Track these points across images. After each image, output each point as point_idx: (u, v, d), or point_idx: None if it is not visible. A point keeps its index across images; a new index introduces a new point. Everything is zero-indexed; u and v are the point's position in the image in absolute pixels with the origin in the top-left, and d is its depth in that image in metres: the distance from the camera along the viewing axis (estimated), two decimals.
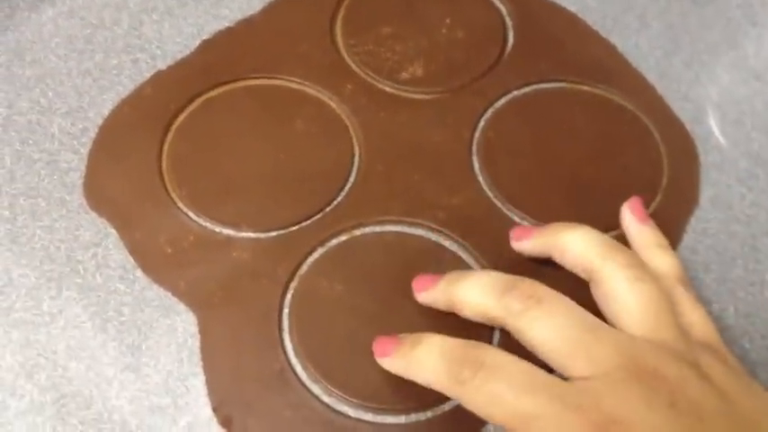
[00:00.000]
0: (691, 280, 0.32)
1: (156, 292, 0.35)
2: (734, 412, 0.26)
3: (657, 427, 0.25)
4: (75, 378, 0.33)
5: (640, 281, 0.29)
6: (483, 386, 0.26)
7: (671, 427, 0.25)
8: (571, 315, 0.28)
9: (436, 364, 0.28)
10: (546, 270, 0.34)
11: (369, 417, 0.33)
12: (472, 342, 0.28)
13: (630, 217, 0.35)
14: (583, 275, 0.31)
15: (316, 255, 0.37)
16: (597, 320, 0.28)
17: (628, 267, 0.30)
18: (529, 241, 0.34)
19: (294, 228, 0.37)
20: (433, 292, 0.33)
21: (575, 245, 0.31)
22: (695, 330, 0.30)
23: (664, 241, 0.34)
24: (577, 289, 0.31)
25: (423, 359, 0.29)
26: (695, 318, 0.30)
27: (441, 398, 0.33)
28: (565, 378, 0.27)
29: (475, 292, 0.30)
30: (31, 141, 0.39)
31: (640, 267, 0.30)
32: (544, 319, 0.28)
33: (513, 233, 0.35)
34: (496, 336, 0.34)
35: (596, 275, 0.30)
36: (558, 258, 0.32)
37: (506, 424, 0.26)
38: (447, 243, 0.37)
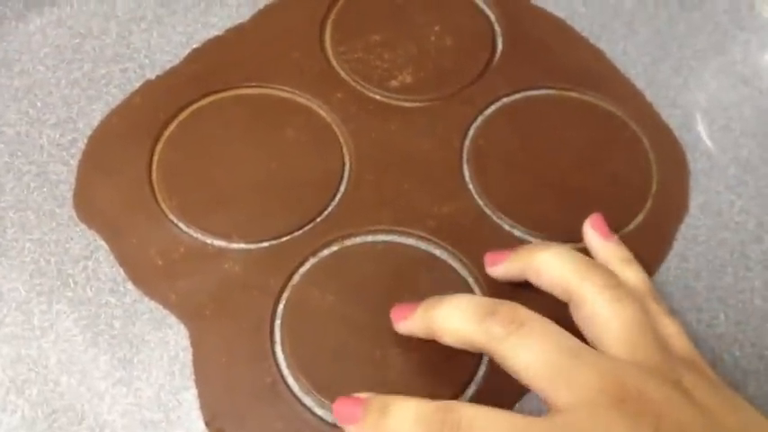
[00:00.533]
0: (685, 289, 0.33)
1: (148, 305, 0.35)
2: (719, 428, 0.26)
3: None
4: (67, 392, 0.33)
5: (619, 301, 0.29)
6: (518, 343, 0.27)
7: None
8: (552, 339, 0.27)
9: (412, 431, 0.27)
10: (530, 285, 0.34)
11: None
12: (446, 403, 0.27)
13: (593, 233, 0.35)
14: (561, 297, 0.31)
15: (307, 265, 0.37)
16: (579, 344, 0.27)
17: (606, 288, 0.29)
18: (503, 265, 0.34)
19: (285, 238, 0.37)
20: (411, 322, 0.32)
21: (550, 266, 0.31)
22: (673, 345, 0.30)
23: (628, 255, 0.34)
24: (560, 307, 0.31)
25: (396, 427, 0.27)
26: (672, 332, 0.30)
27: None
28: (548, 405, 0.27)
29: (454, 318, 0.29)
30: (19, 153, 0.39)
31: (618, 287, 0.30)
32: (525, 345, 0.27)
33: (488, 258, 0.35)
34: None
35: (575, 297, 0.30)
36: (534, 280, 0.32)
37: None
38: (438, 252, 0.37)
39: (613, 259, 0.34)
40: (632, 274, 0.33)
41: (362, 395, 0.29)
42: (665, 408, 0.26)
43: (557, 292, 0.31)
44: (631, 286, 0.32)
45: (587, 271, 0.30)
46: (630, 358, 0.28)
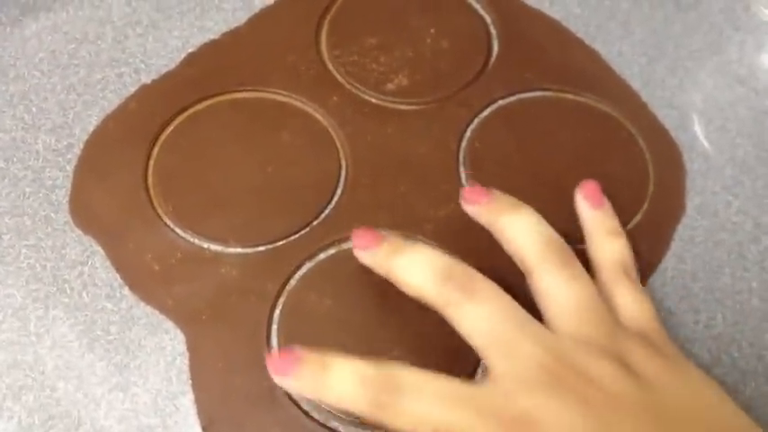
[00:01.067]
0: (682, 290, 0.33)
1: (144, 310, 0.35)
2: (657, 402, 0.27)
3: (569, 423, 0.25)
4: (64, 398, 0.33)
5: (573, 279, 0.30)
6: (404, 410, 0.26)
7: (583, 422, 0.25)
8: (503, 309, 0.28)
9: (353, 391, 0.27)
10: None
11: None
12: (384, 363, 0.27)
13: (584, 203, 0.35)
14: (519, 266, 0.31)
15: (304, 269, 0.37)
16: (527, 317, 0.28)
17: (562, 267, 0.30)
18: (475, 209, 0.33)
19: (282, 242, 0.37)
20: (371, 257, 0.31)
21: (514, 232, 0.31)
22: (633, 321, 0.30)
23: (616, 226, 0.34)
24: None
25: (336, 385, 0.27)
26: (634, 307, 0.31)
27: None
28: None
29: (414, 273, 0.30)
30: (15, 159, 0.39)
31: (574, 266, 0.30)
32: (476, 311, 0.28)
33: (465, 193, 0.34)
34: None
35: (532, 271, 0.30)
36: (497, 238, 0.32)
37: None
38: None
39: (600, 230, 0.34)
40: (614, 245, 0.33)
41: (298, 349, 0.28)
42: (598, 381, 0.26)
43: (515, 259, 0.31)
44: (607, 258, 0.32)
45: (547, 248, 0.31)
46: (576, 333, 0.28)
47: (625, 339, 0.29)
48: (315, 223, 0.38)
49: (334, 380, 0.27)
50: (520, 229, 0.31)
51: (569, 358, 0.27)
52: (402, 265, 0.30)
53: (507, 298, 0.29)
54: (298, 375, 0.27)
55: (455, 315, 0.29)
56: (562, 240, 0.31)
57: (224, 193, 0.38)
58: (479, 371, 0.34)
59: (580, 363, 0.27)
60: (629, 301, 0.31)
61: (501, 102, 0.42)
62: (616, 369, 0.27)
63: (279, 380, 0.28)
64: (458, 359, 0.33)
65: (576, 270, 0.30)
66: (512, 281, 0.31)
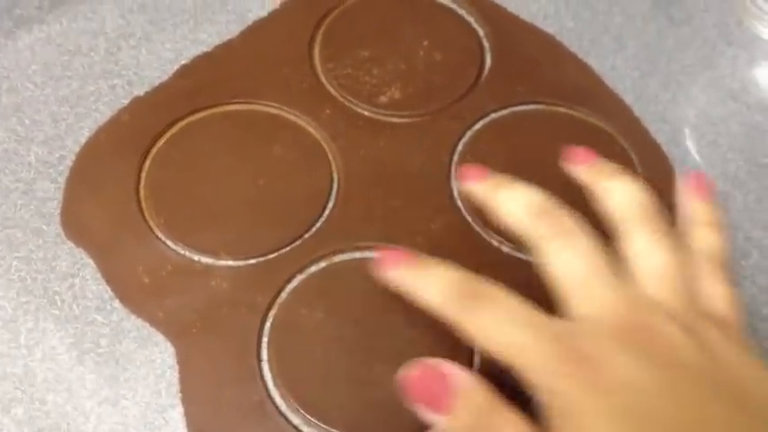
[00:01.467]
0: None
1: (134, 323, 0.35)
2: (721, 374, 0.26)
3: (632, 374, 0.25)
4: (53, 411, 0.33)
5: (661, 243, 0.30)
6: (481, 315, 0.28)
7: (644, 376, 0.25)
8: (589, 254, 0.29)
9: (444, 287, 0.29)
10: None
11: None
12: (480, 277, 0.29)
13: (691, 193, 0.34)
14: (612, 224, 0.31)
15: (295, 282, 0.37)
16: (612, 268, 0.29)
17: (655, 231, 0.30)
18: (582, 169, 0.34)
19: (273, 255, 0.37)
20: (476, 186, 0.33)
21: (618, 194, 0.32)
22: (712, 304, 0.30)
23: (716, 220, 0.33)
24: None
25: (432, 281, 0.29)
26: (716, 293, 0.30)
27: (421, 426, 0.33)
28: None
29: (514, 204, 0.31)
30: (7, 171, 0.39)
31: (668, 234, 0.30)
32: (563, 251, 0.29)
33: (570, 152, 0.35)
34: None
35: (625, 230, 0.31)
36: (597, 197, 0.33)
37: (496, 353, 0.27)
38: None
39: (700, 220, 0.33)
40: (710, 237, 0.32)
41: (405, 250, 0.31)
42: (667, 342, 0.27)
43: (611, 218, 0.32)
44: (700, 247, 0.32)
45: (646, 213, 0.31)
46: (657, 295, 0.29)
47: (702, 318, 0.28)
48: (306, 236, 0.38)
49: (433, 275, 0.30)
50: (626, 192, 0.32)
51: (646, 315, 0.27)
52: (504, 197, 0.32)
53: (596, 243, 0.29)
54: (406, 266, 0.30)
55: (541, 248, 0.30)
56: (662, 213, 0.32)
57: (215, 206, 0.38)
58: None
59: (654, 322, 0.27)
60: (719, 292, 0.30)
61: (493, 115, 0.42)
62: (687, 337, 0.27)
63: (384, 271, 0.31)
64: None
65: (670, 237, 0.30)
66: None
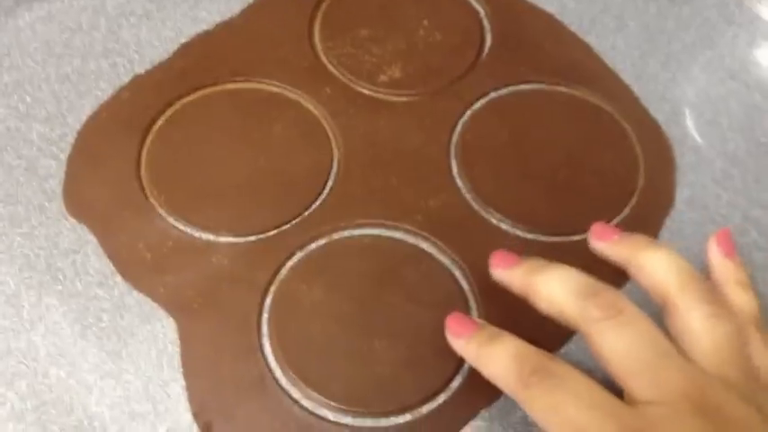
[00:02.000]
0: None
1: (136, 299, 0.35)
2: None
3: None
4: (56, 385, 0.33)
5: (716, 317, 0.29)
6: (547, 393, 0.27)
7: None
8: (647, 335, 0.28)
9: (508, 363, 0.28)
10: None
11: (348, 420, 0.33)
12: (546, 353, 0.28)
13: (716, 249, 0.34)
14: (656, 300, 0.31)
15: (295, 259, 0.37)
16: (671, 345, 0.28)
17: (706, 303, 0.29)
18: (607, 245, 0.33)
19: (273, 232, 0.37)
20: (509, 274, 0.32)
21: (655, 267, 0.31)
22: (763, 374, 0.29)
23: (745, 279, 0.33)
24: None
25: (497, 355, 0.29)
26: (765, 361, 0.30)
27: (420, 401, 0.33)
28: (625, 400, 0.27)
29: (556, 287, 0.30)
30: (9, 148, 0.39)
31: (719, 304, 0.30)
32: (619, 333, 0.28)
33: (594, 229, 0.34)
34: None
35: (672, 305, 0.30)
36: (633, 274, 0.32)
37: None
38: (425, 246, 0.37)
39: (728, 278, 0.33)
40: (743, 297, 0.32)
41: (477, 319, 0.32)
42: (743, 426, 0.26)
43: (652, 294, 0.31)
44: (737, 309, 0.31)
45: (690, 282, 0.30)
46: (717, 371, 0.28)
47: (760, 390, 0.28)
48: (306, 214, 0.38)
49: (498, 349, 0.29)
50: (662, 262, 0.31)
51: (715, 396, 0.26)
52: (543, 280, 0.30)
53: (653, 324, 0.28)
54: (471, 338, 0.30)
55: (592, 331, 0.28)
56: (703, 277, 0.31)
57: (216, 183, 0.38)
58: None
59: (725, 403, 0.26)
60: (760, 353, 0.30)
61: (493, 94, 0.43)
62: (753, 413, 0.26)
63: (451, 339, 0.31)
64: (446, 351, 0.33)
65: (720, 307, 0.29)
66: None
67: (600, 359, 0.28)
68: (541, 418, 0.27)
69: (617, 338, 0.28)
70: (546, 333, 0.30)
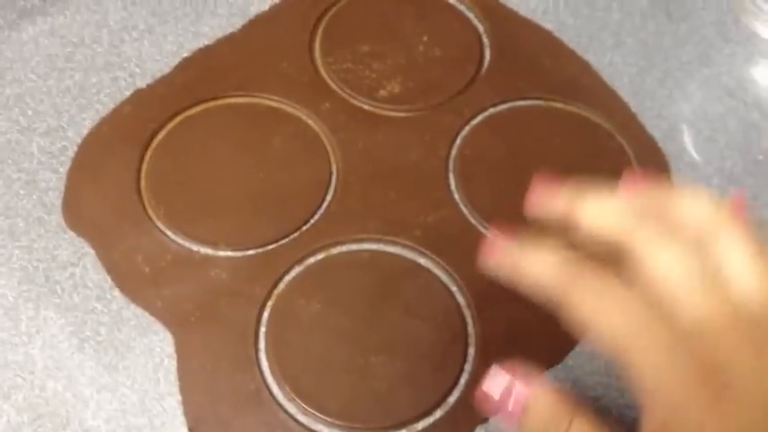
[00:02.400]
0: None
1: (134, 312, 0.36)
2: None
3: (759, 375, 0.25)
4: (53, 398, 0.34)
5: (741, 239, 0.27)
6: (597, 297, 0.26)
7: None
8: (699, 256, 0.26)
9: (555, 261, 0.27)
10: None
11: None
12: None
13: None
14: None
15: (293, 273, 0.37)
16: (716, 270, 0.26)
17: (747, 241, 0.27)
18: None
19: (272, 246, 0.38)
20: (553, 199, 0.30)
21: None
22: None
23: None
24: None
25: (533, 263, 0.28)
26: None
27: (416, 416, 0.33)
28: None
29: (606, 208, 0.28)
30: (10, 161, 0.40)
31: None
32: (673, 251, 0.27)
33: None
34: (470, 353, 0.35)
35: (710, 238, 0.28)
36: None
37: (610, 333, 0.26)
38: (423, 261, 0.37)
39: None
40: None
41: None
42: None
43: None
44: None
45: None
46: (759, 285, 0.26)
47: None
48: (305, 228, 0.38)
49: (533, 257, 0.28)
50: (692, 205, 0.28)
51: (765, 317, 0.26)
52: (593, 202, 0.29)
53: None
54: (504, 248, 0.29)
55: (645, 250, 0.27)
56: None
57: (215, 197, 0.39)
58: (465, 375, 0.34)
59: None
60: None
61: (492, 110, 0.43)
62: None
63: (486, 259, 0.29)
64: (444, 364, 0.33)
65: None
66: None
67: (652, 278, 0.26)
68: (591, 314, 0.26)
69: (671, 257, 0.26)
70: (545, 347, 0.31)
